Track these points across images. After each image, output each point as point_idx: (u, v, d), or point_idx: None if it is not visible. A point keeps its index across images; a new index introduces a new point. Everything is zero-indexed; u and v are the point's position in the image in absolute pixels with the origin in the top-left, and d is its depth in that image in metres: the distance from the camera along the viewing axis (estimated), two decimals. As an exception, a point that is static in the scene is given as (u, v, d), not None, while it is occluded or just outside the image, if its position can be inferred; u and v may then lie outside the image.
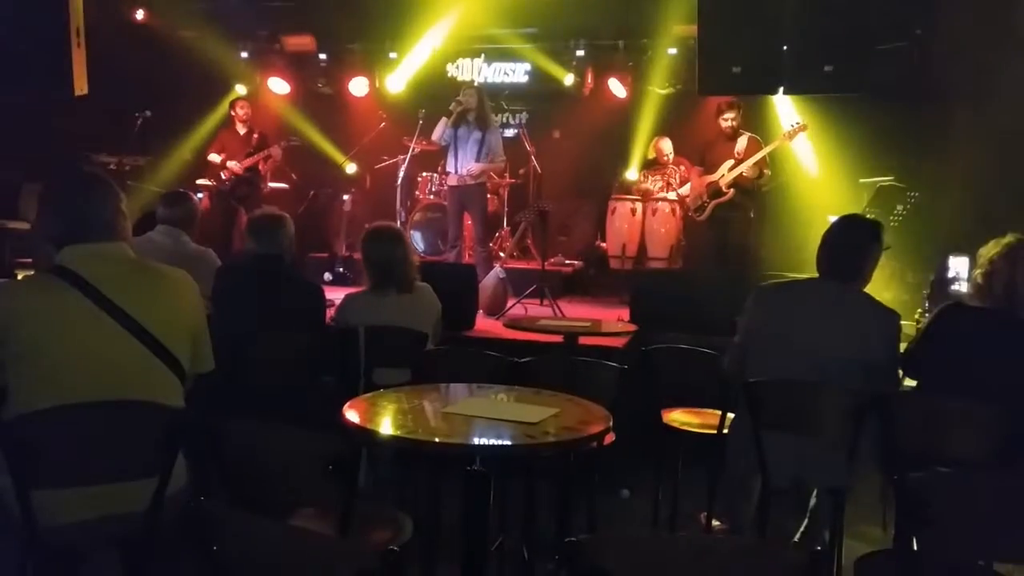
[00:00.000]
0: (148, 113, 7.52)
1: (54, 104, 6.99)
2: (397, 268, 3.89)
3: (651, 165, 8.04)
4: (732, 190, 6.89)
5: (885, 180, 6.51)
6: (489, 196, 7.51)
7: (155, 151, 8.29)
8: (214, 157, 7.67)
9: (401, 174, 7.97)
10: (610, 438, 3.09)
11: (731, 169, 6.88)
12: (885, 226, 3.27)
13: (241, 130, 7.77)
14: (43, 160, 6.62)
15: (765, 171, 6.89)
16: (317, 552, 1.66)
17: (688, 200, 7.34)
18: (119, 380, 2.30)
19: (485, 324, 5.62)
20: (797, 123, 6.93)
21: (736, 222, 6.97)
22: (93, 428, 2.20)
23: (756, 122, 7.33)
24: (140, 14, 8.38)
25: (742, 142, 6.91)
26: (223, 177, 7.63)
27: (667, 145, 7.90)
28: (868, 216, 3.37)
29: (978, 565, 2.42)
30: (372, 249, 3.94)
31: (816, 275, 3.24)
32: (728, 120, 6.94)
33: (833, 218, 3.42)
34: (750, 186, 6.92)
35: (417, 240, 7.81)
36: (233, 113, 7.82)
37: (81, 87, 5.94)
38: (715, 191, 6.98)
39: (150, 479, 2.23)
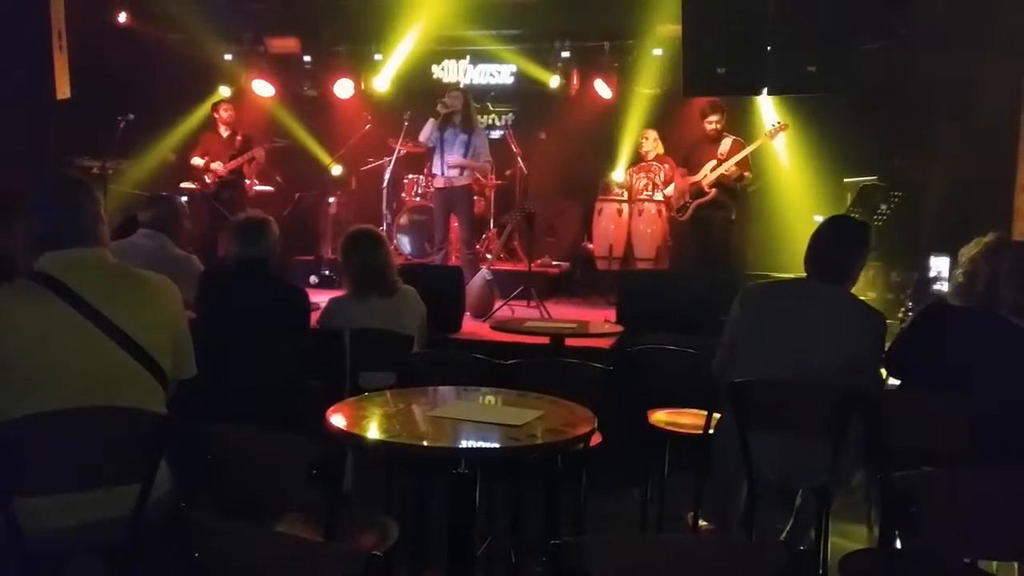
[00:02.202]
0: (131, 116, 7.45)
1: (36, 108, 6.95)
2: (378, 272, 3.86)
3: (636, 161, 8.04)
4: (714, 190, 6.92)
5: (868, 180, 6.54)
6: (476, 198, 7.51)
7: (138, 155, 8.23)
8: (197, 160, 7.62)
9: (387, 176, 7.96)
10: (597, 439, 3.09)
11: (713, 169, 6.90)
12: (870, 227, 3.29)
13: (224, 133, 7.72)
14: (24, 164, 6.56)
15: (746, 173, 6.92)
16: (302, 558, 1.65)
17: (672, 200, 7.36)
18: (101, 387, 2.27)
19: (472, 326, 5.62)
20: (777, 123, 6.96)
21: (718, 222, 7.00)
22: (75, 435, 2.18)
23: (740, 123, 7.36)
24: (122, 16, 8.31)
25: (726, 144, 6.94)
26: (207, 180, 7.58)
27: (648, 135, 7.75)
28: (854, 217, 3.37)
29: (963, 563, 2.43)
30: (351, 254, 3.90)
31: (802, 275, 3.25)
32: (712, 123, 6.97)
33: (818, 218, 3.43)
34: (732, 186, 6.95)
35: (403, 242, 7.80)
36: (216, 116, 7.77)
37: (63, 91, 5.88)
38: (697, 191, 7.00)
39: (133, 485, 2.21)
